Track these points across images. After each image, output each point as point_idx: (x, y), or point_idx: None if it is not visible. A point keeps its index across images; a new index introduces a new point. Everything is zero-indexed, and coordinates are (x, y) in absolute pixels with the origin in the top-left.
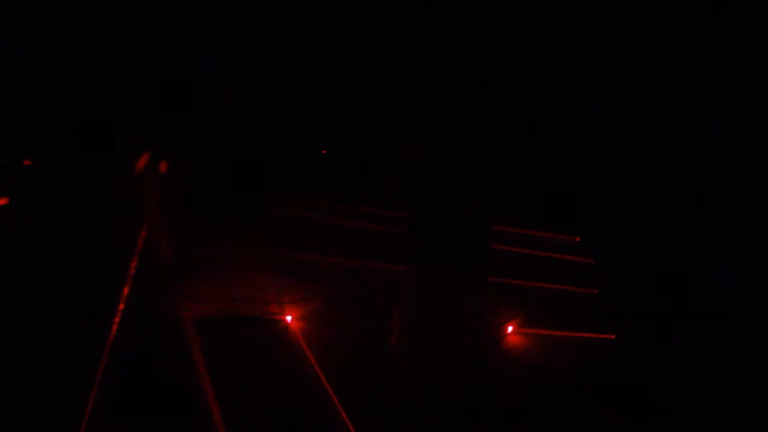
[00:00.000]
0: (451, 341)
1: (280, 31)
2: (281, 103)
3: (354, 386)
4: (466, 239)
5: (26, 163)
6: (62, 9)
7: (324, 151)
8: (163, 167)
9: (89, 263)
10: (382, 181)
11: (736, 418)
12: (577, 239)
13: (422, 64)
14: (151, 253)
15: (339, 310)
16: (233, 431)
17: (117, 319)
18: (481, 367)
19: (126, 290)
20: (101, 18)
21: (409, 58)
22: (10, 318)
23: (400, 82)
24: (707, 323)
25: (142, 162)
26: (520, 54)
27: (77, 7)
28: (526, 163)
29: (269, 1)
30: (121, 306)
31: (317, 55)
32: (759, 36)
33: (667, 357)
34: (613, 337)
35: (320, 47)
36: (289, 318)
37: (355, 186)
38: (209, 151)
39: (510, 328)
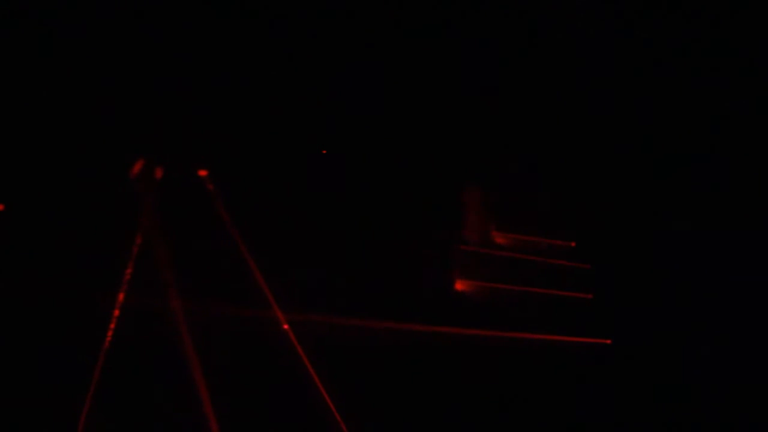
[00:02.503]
0: None
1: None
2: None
3: (348, 388)
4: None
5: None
6: (61, 10)
7: (324, 151)
8: (158, 173)
9: (85, 269)
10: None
11: (734, 420)
12: (573, 244)
13: (417, 68)
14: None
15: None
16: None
17: (112, 325)
18: None
19: (121, 296)
20: (100, 20)
21: (405, 60)
22: (8, 322)
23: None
24: (703, 327)
25: (137, 168)
26: (517, 57)
27: (76, 9)
28: (522, 168)
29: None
30: (116, 312)
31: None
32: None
33: (663, 361)
34: (609, 341)
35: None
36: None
37: None
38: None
39: None
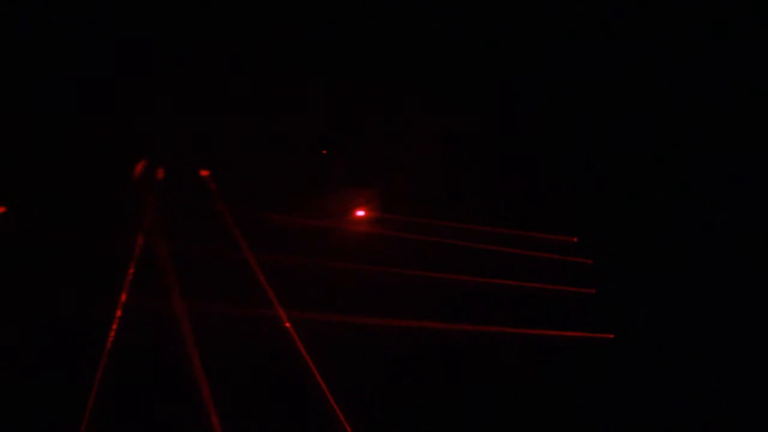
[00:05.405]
0: None
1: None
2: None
3: (350, 387)
4: None
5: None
6: (62, 11)
7: (324, 151)
8: (160, 174)
9: (87, 270)
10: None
11: (734, 417)
12: (575, 240)
13: (419, 62)
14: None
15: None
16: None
17: (115, 325)
18: None
19: (123, 296)
20: (100, 21)
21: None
22: (10, 322)
23: (397, 79)
24: (705, 322)
25: (139, 168)
26: (517, 55)
27: (77, 9)
28: (524, 164)
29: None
30: (119, 312)
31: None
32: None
33: (665, 356)
34: (612, 336)
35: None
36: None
37: None
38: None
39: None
